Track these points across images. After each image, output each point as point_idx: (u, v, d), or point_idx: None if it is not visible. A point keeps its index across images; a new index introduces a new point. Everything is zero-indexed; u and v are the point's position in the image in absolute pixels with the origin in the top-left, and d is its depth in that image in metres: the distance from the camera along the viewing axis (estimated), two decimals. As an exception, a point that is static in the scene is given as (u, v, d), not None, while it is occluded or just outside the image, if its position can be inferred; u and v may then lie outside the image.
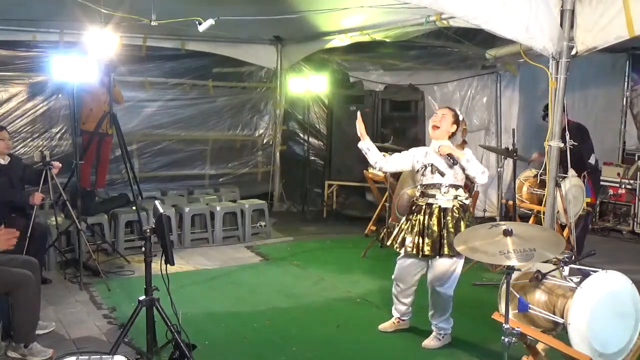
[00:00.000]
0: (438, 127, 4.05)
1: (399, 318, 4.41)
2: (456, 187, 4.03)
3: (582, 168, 5.70)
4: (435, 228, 3.97)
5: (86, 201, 6.02)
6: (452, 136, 4.09)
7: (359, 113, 4.34)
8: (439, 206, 4.00)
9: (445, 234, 3.94)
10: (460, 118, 4.12)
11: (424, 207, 4.05)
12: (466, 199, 4.08)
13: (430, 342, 4.19)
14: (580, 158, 5.73)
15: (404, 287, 4.27)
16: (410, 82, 8.33)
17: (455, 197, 4.01)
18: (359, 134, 4.19)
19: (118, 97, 6.73)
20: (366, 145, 4.21)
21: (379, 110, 8.52)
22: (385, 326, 4.42)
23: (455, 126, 4.07)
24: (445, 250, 3.94)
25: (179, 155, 8.12)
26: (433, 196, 4.03)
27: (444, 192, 4.00)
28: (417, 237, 4.01)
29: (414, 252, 4.03)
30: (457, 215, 3.97)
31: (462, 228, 3.92)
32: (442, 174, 4.00)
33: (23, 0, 5.47)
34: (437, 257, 4.00)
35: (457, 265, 4.06)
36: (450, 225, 3.94)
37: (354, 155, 8.41)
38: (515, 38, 3.96)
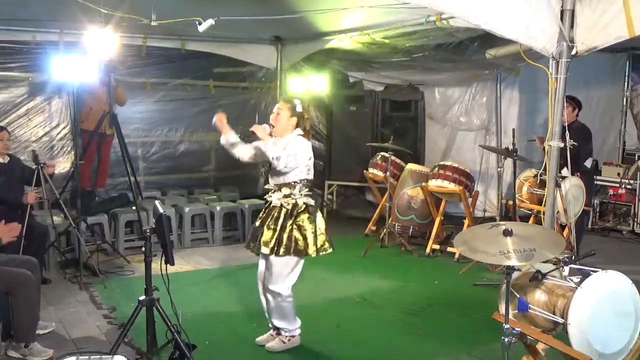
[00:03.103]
0: (275, 125, 3.95)
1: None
2: (290, 185, 3.90)
3: (576, 168, 5.70)
4: (263, 225, 3.94)
5: (86, 201, 6.02)
6: (298, 126, 3.98)
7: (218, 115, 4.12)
8: (271, 204, 3.97)
9: (266, 233, 3.89)
10: (298, 109, 3.95)
11: (267, 203, 4.03)
12: (304, 195, 3.91)
13: (272, 344, 4.08)
14: (577, 158, 5.72)
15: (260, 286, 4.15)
16: (410, 82, 8.34)
17: (288, 196, 3.89)
18: (219, 128, 4.03)
19: (121, 98, 6.72)
20: (226, 139, 4.04)
21: (379, 110, 8.54)
22: (261, 339, 4.19)
23: (295, 118, 3.94)
24: (263, 248, 3.89)
25: (181, 157, 8.11)
26: (270, 193, 3.99)
27: (275, 190, 3.95)
28: (254, 233, 4.02)
29: (247, 246, 4.06)
30: (286, 214, 3.87)
31: (287, 229, 3.83)
32: (278, 167, 3.85)
33: (23, 1, 5.47)
34: (269, 255, 3.91)
35: (283, 264, 3.92)
36: (269, 223, 3.90)
37: (354, 155, 8.47)
38: (515, 38, 3.96)
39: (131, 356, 3.67)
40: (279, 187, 3.92)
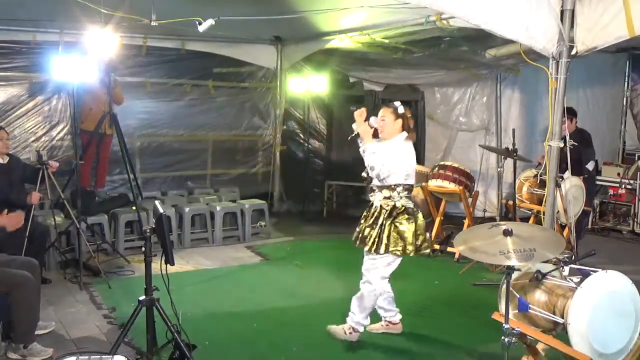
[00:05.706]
0: (382, 131, 4.14)
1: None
2: (390, 188, 4.03)
3: (579, 172, 5.69)
4: (364, 223, 4.14)
5: (86, 201, 6.01)
6: (404, 129, 4.13)
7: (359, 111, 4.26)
8: (373, 204, 4.13)
9: (366, 230, 4.09)
10: (401, 111, 4.13)
11: (370, 203, 4.20)
12: (403, 198, 4.03)
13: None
14: (578, 162, 5.73)
15: None
16: (410, 82, 8.33)
17: (388, 198, 4.04)
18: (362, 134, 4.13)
19: (118, 97, 6.72)
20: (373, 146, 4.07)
21: (379, 111, 8.52)
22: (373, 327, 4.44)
23: (400, 120, 4.12)
24: (358, 243, 4.12)
25: (180, 156, 8.11)
26: (373, 194, 4.14)
27: (377, 192, 4.10)
28: (358, 229, 4.20)
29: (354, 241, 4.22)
30: (385, 215, 4.02)
31: (386, 229, 3.99)
32: (372, 175, 4.08)
33: (23, 0, 5.48)
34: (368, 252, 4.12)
35: (376, 261, 4.10)
36: (371, 222, 4.06)
37: (354, 156, 8.45)
38: (515, 38, 3.96)
39: (131, 356, 3.67)
40: (380, 188, 4.07)
